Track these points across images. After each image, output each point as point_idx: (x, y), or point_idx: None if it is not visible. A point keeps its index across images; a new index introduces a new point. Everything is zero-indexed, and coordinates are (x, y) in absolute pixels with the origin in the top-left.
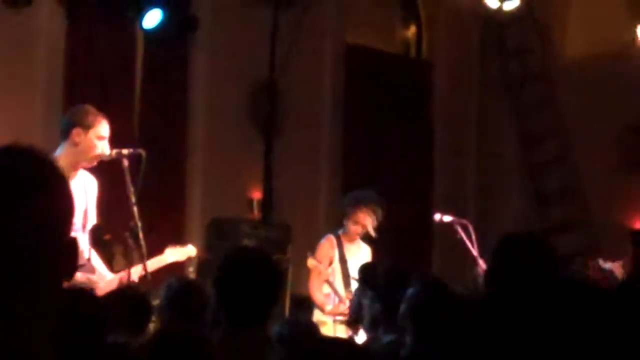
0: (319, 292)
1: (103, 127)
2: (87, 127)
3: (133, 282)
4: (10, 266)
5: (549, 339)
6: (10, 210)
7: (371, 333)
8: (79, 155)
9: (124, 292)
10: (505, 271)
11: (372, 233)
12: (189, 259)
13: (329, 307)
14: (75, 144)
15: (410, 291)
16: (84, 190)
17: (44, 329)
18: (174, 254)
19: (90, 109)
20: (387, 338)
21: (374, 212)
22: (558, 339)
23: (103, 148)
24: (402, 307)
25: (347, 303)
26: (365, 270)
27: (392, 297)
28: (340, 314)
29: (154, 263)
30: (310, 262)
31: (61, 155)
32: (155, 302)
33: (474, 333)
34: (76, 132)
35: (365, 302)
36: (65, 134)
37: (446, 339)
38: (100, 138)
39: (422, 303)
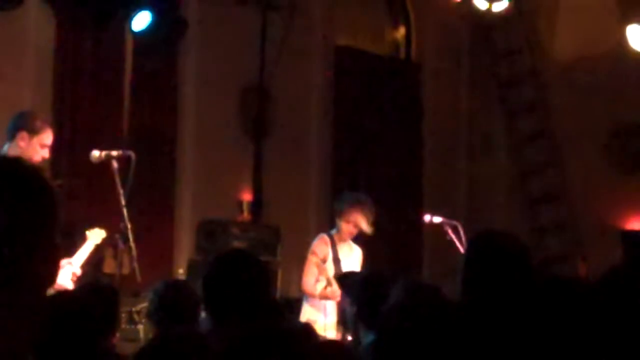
0: (312, 277)
1: (47, 136)
2: (33, 132)
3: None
4: None
5: (534, 336)
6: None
7: (353, 334)
8: (25, 155)
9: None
10: (478, 272)
11: (368, 230)
12: (103, 240)
13: (320, 286)
14: (19, 147)
15: (392, 295)
16: None
17: (24, 335)
18: (93, 236)
19: (38, 116)
20: (368, 339)
21: (368, 212)
22: (546, 336)
23: (43, 156)
24: (384, 309)
25: (337, 289)
26: (343, 276)
27: (367, 299)
28: (330, 297)
29: (84, 252)
30: (311, 257)
31: (11, 153)
32: (143, 305)
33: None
34: (21, 135)
35: (347, 305)
36: (11, 136)
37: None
38: (43, 146)
39: (400, 307)
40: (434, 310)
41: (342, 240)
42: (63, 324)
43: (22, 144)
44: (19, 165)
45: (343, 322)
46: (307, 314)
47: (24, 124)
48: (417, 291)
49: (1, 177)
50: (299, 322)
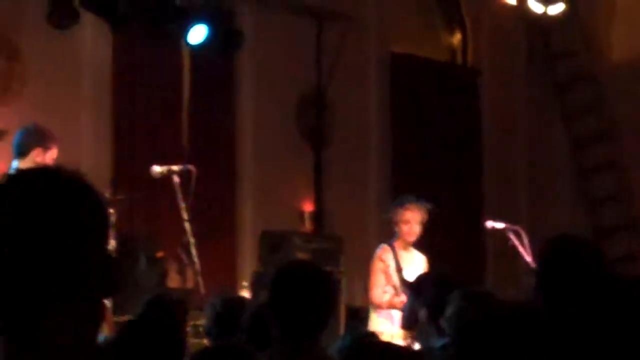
0: (378, 287)
1: (56, 151)
2: (46, 148)
3: None
4: (48, 282)
5: (614, 341)
6: (53, 228)
7: (422, 338)
8: None
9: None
10: (555, 275)
11: (420, 230)
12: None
13: (386, 297)
14: (35, 163)
15: (450, 304)
16: None
17: (79, 346)
18: None
19: (47, 130)
20: (439, 343)
21: (420, 210)
22: (625, 340)
23: None
24: (445, 318)
25: (404, 298)
26: (417, 278)
27: (439, 303)
28: (397, 306)
29: None
30: (378, 263)
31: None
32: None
33: (524, 344)
34: (37, 152)
35: (417, 309)
36: (24, 152)
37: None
38: (52, 161)
39: (461, 317)
40: (510, 316)
41: (404, 247)
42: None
43: (38, 160)
44: (71, 176)
45: (407, 327)
46: (375, 323)
47: (39, 141)
48: (475, 298)
49: (53, 188)
50: (367, 331)
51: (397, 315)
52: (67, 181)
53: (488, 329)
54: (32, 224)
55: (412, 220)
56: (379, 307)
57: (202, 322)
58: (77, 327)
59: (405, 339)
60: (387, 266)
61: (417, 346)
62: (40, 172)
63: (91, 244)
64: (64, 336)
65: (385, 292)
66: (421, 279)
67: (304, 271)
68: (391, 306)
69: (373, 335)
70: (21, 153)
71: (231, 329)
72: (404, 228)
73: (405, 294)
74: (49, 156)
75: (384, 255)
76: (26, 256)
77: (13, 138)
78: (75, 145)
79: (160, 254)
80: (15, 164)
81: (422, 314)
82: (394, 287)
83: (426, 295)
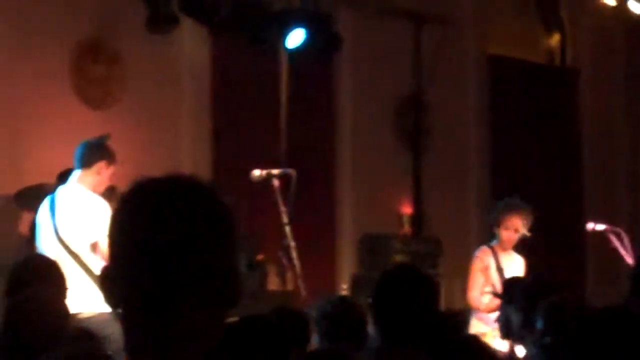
0: (476, 290)
1: (114, 170)
2: (110, 163)
3: None
4: (183, 291)
5: None
6: (190, 239)
7: (519, 343)
8: (97, 185)
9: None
10: None
11: (526, 233)
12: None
13: (484, 300)
14: (98, 175)
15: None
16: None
17: (204, 356)
18: None
19: (111, 148)
20: (535, 346)
21: (524, 216)
22: None
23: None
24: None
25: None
26: (506, 285)
27: (532, 307)
28: (495, 310)
29: None
30: (477, 264)
31: (83, 181)
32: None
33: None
34: (101, 165)
35: (512, 314)
36: (86, 163)
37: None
38: (111, 176)
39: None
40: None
41: (504, 249)
42: (256, 349)
43: (101, 172)
44: (206, 188)
45: (504, 335)
46: (475, 326)
47: (106, 154)
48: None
49: (192, 202)
50: (469, 335)
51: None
52: (199, 189)
53: (579, 335)
54: (169, 231)
55: (515, 226)
56: (476, 309)
57: None
58: (204, 334)
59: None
60: (486, 267)
61: (517, 348)
62: (172, 180)
63: (221, 252)
64: (192, 342)
65: (483, 293)
66: (510, 285)
67: (408, 275)
68: (490, 310)
69: (475, 337)
70: (85, 165)
71: (339, 330)
72: (505, 234)
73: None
74: (110, 171)
75: (484, 256)
76: (162, 262)
77: (76, 148)
78: (175, 149)
79: (260, 257)
80: (77, 174)
81: (516, 319)
82: (493, 286)
83: (517, 302)
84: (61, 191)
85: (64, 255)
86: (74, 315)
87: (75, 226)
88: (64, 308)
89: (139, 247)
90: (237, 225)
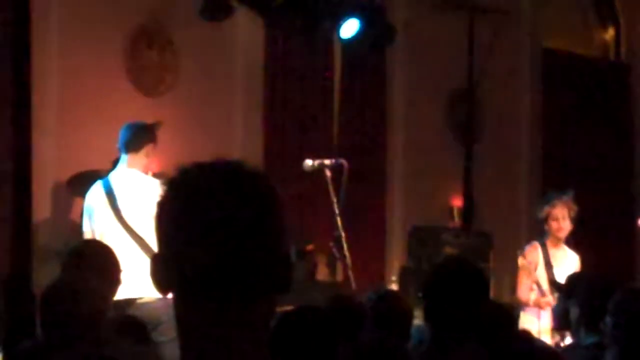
0: (526, 290)
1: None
2: (155, 144)
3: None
4: (240, 281)
5: None
6: (243, 228)
7: (575, 337)
8: (147, 167)
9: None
10: None
11: (569, 224)
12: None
13: (533, 297)
14: (146, 159)
15: (615, 302)
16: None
17: (257, 343)
18: None
19: (151, 126)
20: (588, 340)
21: (567, 204)
22: None
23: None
24: (608, 318)
25: (551, 299)
26: (569, 279)
27: (592, 303)
28: (542, 306)
29: None
30: (521, 261)
31: (135, 165)
32: None
33: None
34: (149, 148)
35: (570, 308)
36: (138, 147)
37: None
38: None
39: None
40: None
41: (555, 245)
42: (305, 340)
43: (149, 154)
44: (257, 173)
45: (560, 328)
46: (522, 321)
47: (152, 137)
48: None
49: (241, 185)
50: (521, 330)
51: (544, 313)
52: (246, 174)
53: None
54: (218, 214)
55: (560, 215)
56: (525, 304)
57: None
58: (257, 319)
59: (552, 336)
60: (532, 264)
61: (567, 342)
62: (220, 164)
63: (271, 237)
64: (246, 327)
65: (532, 289)
66: (573, 279)
67: (461, 269)
68: (537, 305)
69: (525, 333)
70: (134, 149)
71: (385, 323)
72: (553, 225)
73: (555, 294)
74: (156, 152)
75: (531, 253)
76: (214, 246)
77: (120, 132)
78: (228, 137)
79: (310, 247)
80: (125, 158)
81: (574, 314)
82: (537, 284)
83: (578, 296)
84: (115, 176)
85: (126, 240)
86: (134, 300)
87: (140, 209)
88: (105, 296)
89: (188, 232)
90: (286, 212)
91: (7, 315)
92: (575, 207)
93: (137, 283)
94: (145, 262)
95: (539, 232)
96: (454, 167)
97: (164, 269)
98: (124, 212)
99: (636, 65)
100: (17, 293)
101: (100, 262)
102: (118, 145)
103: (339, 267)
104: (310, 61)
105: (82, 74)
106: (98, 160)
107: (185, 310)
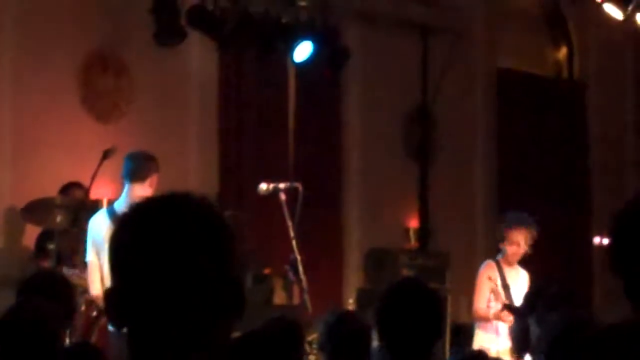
0: (483, 300)
1: None
2: (157, 174)
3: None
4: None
5: None
6: (192, 256)
7: (536, 358)
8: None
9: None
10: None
11: (528, 250)
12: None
13: (492, 310)
14: (150, 188)
15: (548, 322)
16: None
17: None
18: None
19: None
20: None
21: (529, 231)
22: None
23: None
24: (538, 335)
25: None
26: (527, 298)
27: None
28: (504, 320)
29: None
30: (483, 276)
31: (139, 194)
32: (314, 335)
33: None
34: (154, 178)
35: (530, 327)
36: (143, 177)
37: None
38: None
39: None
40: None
41: (509, 264)
42: None
43: (153, 185)
44: (209, 204)
45: (518, 349)
46: (480, 340)
47: (156, 167)
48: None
49: (201, 217)
50: (473, 350)
51: (503, 331)
52: (196, 205)
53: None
54: (170, 247)
55: (520, 241)
56: (483, 319)
57: (309, 338)
58: (213, 345)
59: (512, 355)
60: (494, 282)
61: None
62: (169, 198)
63: (223, 267)
64: (201, 353)
65: (489, 307)
66: (530, 298)
67: (412, 290)
68: (497, 318)
69: (481, 354)
70: (139, 178)
71: (344, 344)
72: (511, 249)
73: (514, 317)
74: (156, 180)
75: (490, 271)
76: (167, 277)
77: (124, 160)
78: (182, 162)
79: (267, 271)
80: (130, 187)
81: (534, 333)
82: (502, 305)
83: (538, 314)
84: (120, 206)
85: None
86: None
87: None
88: (62, 321)
89: (140, 263)
90: (239, 238)
91: None
92: (535, 234)
93: None
94: None
95: (495, 251)
96: (409, 188)
97: (119, 302)
98: None
99: (589, 84)
100: None
101: (56, 289)
102: (122, 174)
103: (296, 290)
104: (265, 85)
105: (36, 100)
106: (52, 188)
107: (140, 341)
